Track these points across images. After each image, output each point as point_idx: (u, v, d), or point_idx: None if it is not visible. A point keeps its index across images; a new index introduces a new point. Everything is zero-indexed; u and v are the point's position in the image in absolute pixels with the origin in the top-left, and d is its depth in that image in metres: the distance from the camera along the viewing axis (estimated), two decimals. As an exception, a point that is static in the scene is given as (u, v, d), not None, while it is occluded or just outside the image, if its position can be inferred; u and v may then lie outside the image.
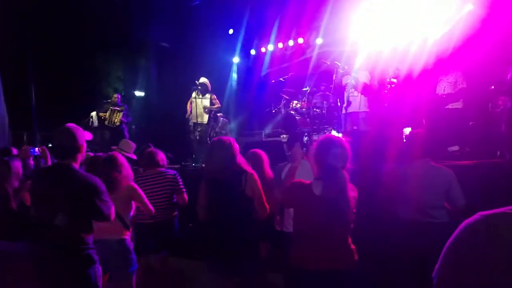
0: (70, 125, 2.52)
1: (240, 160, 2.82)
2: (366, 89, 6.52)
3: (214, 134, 8.36)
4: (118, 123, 8.43)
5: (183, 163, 7.08)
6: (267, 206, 2.81)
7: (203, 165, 6.96)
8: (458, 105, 5.79)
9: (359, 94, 6.55)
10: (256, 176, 2.80)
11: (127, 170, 3.28)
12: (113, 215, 2.56)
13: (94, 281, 2.42)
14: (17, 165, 3.84)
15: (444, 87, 5.95)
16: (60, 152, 2.48)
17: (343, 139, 2.37)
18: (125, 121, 8.57)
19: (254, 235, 2.79)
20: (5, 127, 7.73)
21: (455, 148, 5.38)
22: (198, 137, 7.24)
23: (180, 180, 3.99)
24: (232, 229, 2.72)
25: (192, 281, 4.12)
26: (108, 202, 2.48)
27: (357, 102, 6.58)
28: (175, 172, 4.03)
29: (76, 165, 2.51)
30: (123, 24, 9.89)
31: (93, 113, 8.46)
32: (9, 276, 3.29)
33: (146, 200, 3.29)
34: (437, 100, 5.92)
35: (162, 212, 3.80)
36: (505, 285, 0.71)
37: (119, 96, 8.73)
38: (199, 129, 7.29)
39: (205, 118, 7.35)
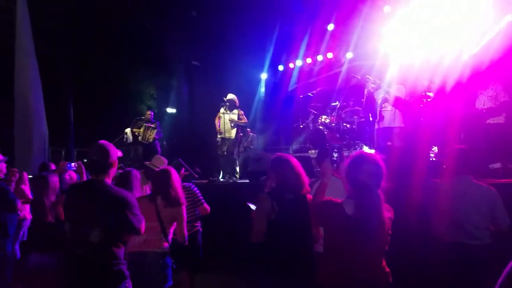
0: (103, 142, 2.57)
1: (307, 181, 2.74)
2: (400, 103, 6.32)
3: (243, 149, 8.37)
4: (151, 139, 8.64)
5: (211, 178, 7.11)
6: (320, 232, 2.66)
7: (230, 180, 6.99)
8: (500, 119, 5.48)
9: (393, 108, 6.36)
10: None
11: (180, 187, 3.32)
12: (143, 229, 2.58)
13: None
14: (55, 180, 4.00)
15: (484, 101, 5.66)
16: (94, 168, 2.53)
17: (377, 156, 2.28)
18: (158, 137, 8.76)
19: (313, 258, 2.64)
20: (45, 144, 8.09)
21: (497, 165, 5.08)
22: (225, 152, 7.26)
23: (197, 191, 4.01)
24: (295, 250, 2.60)
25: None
26: (139, 215, 2.50)
27: (391, 117, 6.37)
28: (191, 184, 4.06)
29: (109, 180, 2.55)
30: (156, 45, 10.24)
31: (128, 130, 8.71)
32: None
33: (185, 225, 3.26)
34: (477, 115, 5.65)
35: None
36: None
37: (152, 113, 8.97)
38: (226, 144, 7.32)
39: (233, 133, 7.38)
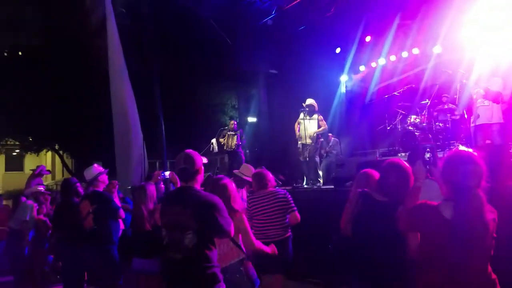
0: (188, 151, 2.72)
1: (407, 190, 2.51)
2: (498, 97, 5.71)
3: (324, 154, 8.22)
4: (234, 147, 8.96)
5: (294, 184, 7.10)
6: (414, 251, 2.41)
7: (314, 186, 6.90)
8: None
9: (491, 103, 5.76)
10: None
11: (236, 198, 3.31)
12: (232, 231, 2.65)
13: None
14: (152, 189, 4.31)
15: None
16: (183, 175, 2.68)
17: (475, 153, 2.07)
18: (240, 143, 9.03)
19: (400, 271, 2.48)
20: (144, 155, 8.79)
21: None
22: (307, 158, 7.19)
23: (291, 198, 3.97)
24: (376, 255, 2.53)
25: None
26: (227, 218, 2.59)
27: (489, 113, 5.79)
28: (285, 191, 4.03)
29: (198, 186, 2.69)
30: (234, 58, 10.68)
31: (213, 140, 9.18)
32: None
33: (250, 233, 3.23)
34: None
35: (275, 232, 3.81)
36: None
37: (236, 123, 9.32)
38: (307, 150, 7.26)
39: (313, 139, 7.31)
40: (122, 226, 4.81)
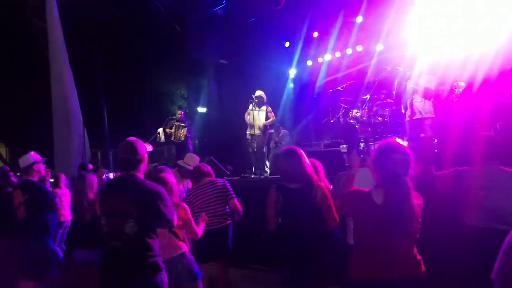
0: (131, 138, 2.66)
1: (310, 169, 2.86)
2: (430, 94, 6.16)
3: (274, 145, 8.39)
4: (183, 138, 8.81)
5: (242, 174, 7.17)
6: (337, 218, 2.82)
7: (262, 176, 7.04)
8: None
9: (424, 99, 6.20)
10: (325, 187, 2.81)
11: (174, 187, 3.31)
12: (175, 221, 2.65)
13: None
14: (92, 178, 4.15)
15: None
16: (125, 164, 2.62)
17: (404, 144, 2.24)
18: (189, 135, 8.92)
19: (323, 246, 2.79)
20: (85, 145, 8.41)
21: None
22: (256, 149, 7.29)
23: (230, 187, 4.05)
24: (302, 238, 2.74)
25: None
26: (171, 208, 2.57)
27: (422, 108, 6.23)
28: (224, 180, 4.11)
29: (140, 175, 2.63)
30: (184, 47, 10.47)
31: (160, 130, 8.94)
32: (89, 283, 3.55)
33: (193, 223, 3.28)
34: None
35: (215, 219, 3.87)
36: None
37: (183, 113, 9.16)
38: (256, 141, 7.36)
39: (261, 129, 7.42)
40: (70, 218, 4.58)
